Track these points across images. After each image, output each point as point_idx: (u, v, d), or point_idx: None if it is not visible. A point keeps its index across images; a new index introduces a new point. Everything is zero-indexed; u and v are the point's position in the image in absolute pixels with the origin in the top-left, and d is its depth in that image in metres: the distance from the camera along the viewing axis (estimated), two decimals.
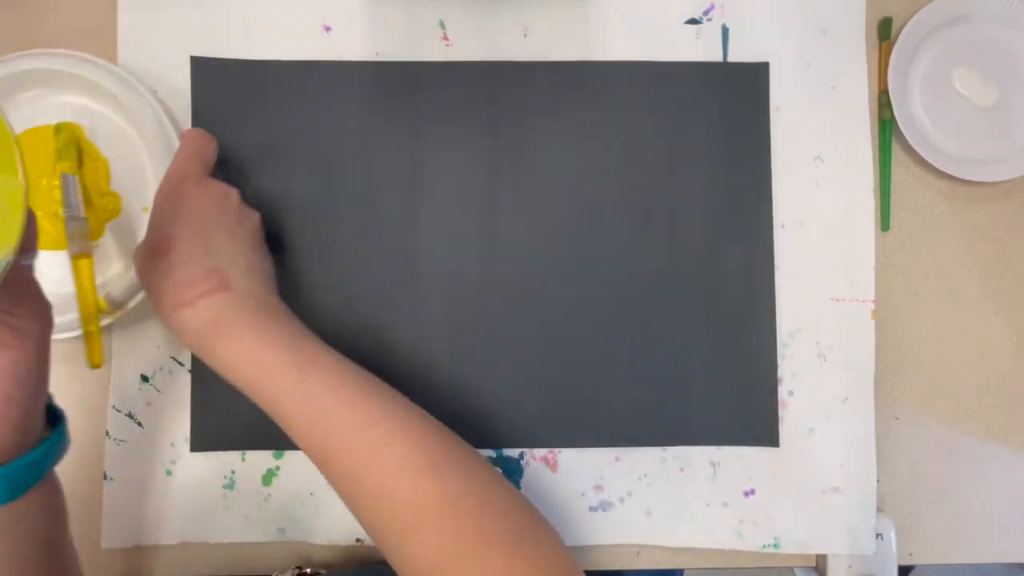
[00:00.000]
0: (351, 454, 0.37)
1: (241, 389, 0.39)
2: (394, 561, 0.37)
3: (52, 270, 0.50)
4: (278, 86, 0.51)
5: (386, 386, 0.41)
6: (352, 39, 0.52)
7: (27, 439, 0.34)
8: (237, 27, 0.51)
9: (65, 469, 0.50)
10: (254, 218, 0.45)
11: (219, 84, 0.51)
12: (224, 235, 0.41)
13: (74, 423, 0.50)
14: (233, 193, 0.44)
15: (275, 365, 0.38)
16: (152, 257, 0.40)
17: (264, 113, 0.51)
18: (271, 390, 0.38)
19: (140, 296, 0.48)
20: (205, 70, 0.51)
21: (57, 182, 0.49)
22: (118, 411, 0.50)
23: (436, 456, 0.37)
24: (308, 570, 0.49)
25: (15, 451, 0.34)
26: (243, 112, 0.51)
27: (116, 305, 0.47)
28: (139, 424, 0.50)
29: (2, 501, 0.33)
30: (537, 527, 0.37)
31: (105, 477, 0.49)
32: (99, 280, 0.48)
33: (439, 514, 0.35)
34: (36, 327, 0.34)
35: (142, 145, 0.50)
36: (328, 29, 0.52)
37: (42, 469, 0.35)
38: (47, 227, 0.50)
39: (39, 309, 0.34)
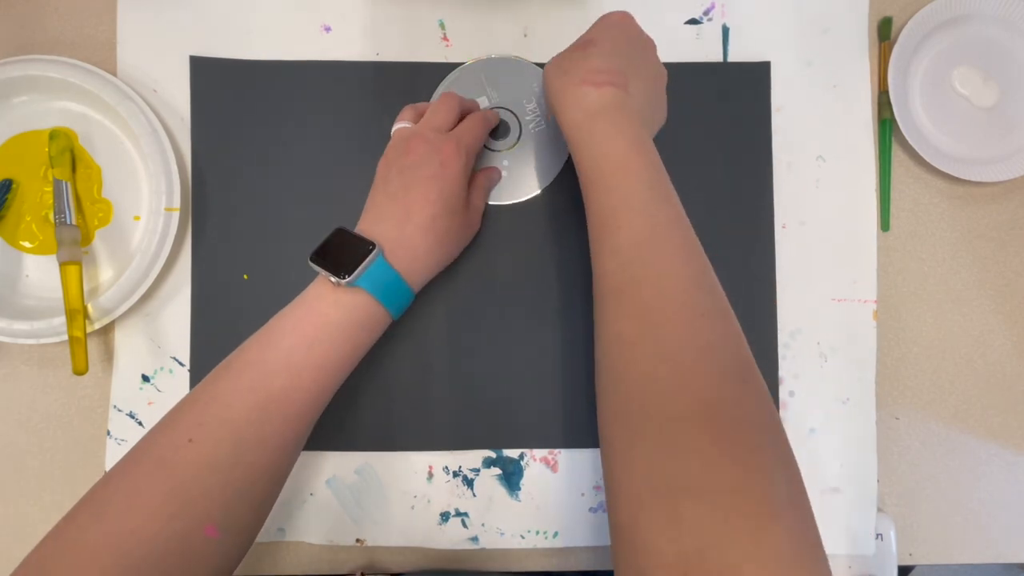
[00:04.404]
0: (660, 301, 0.36)
1: (587, 167, 0.41)
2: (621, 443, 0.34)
3: (41, 275, 0.50)
4: (278, 86, 0.51)
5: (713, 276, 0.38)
6: (352, 39, 0.52)
7: None
8: (237, 27, 0.51)
9: (66, 468, 0.50)
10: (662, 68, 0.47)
11: (219, 84, 0.51)
12: (636, 58, 0.44)
13: (75, 423, 0.50)
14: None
15: (635, 174, 0.39)
16: (575, 48, 0.44)
17: (264, 113, 0.51)
18: (619, 189, 0.39)
19: (128, 304, 0.48)
20: (205, 70, 0.51)
21: (49, 188, 0.49)
22: (119, 411, 0.50)
23: (744, 366, 0.34)
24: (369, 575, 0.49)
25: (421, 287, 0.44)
26: (243, 112, 0.51)
27: (104, 312, 0.48)
28: (140, 424, 0.50)
29: (397, 317, 0.43)
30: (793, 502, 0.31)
31: None
32: (88, 287, 0.48)
33: (722, 427, 0.31)
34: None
35: (136, 155, 0.50)
36: (328, 29, 0.52)
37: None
38: (37, 232, 0.50)
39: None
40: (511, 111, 0.51)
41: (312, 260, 0.41)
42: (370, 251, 0.40)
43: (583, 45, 0.44)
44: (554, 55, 0.45)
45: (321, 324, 0.40)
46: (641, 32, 0.46)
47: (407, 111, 0.47)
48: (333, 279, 0.40)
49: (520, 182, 0.51)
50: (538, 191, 0.51)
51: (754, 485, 0.29)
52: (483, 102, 0.51)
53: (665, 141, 0.51)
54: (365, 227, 0.43)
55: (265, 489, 0.39)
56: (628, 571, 0.31)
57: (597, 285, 0.40)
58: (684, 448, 0.31)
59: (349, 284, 0.40)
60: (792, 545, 0.28)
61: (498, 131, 0.51)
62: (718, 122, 0.52)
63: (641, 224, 0.38)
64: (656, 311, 0.35)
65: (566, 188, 0.51)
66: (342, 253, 0.40)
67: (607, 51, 0.43)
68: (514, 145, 0.51)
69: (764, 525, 0.28)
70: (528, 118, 0.51)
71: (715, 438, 0.31)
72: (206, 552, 0.36)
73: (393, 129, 0.47)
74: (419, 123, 0.46)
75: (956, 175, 0.52)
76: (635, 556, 0.30)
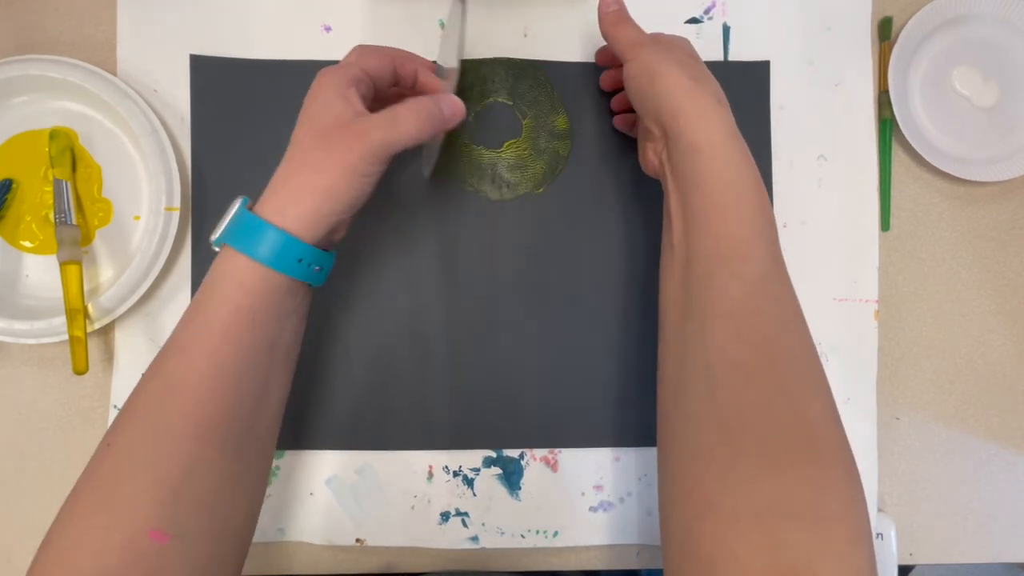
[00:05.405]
0: (783, 335, 0.36)
1: (719, 189, 0.38)
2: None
3: (41, 274, 0.50)
4: (278, 86, 0.51)
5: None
6: (352, 39, 0.51)
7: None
8: (237, 27, 0.51)
9: (66, 468, 0.50)
10: None
11: (219, 83, 0.51)
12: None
13: (75, 423, 0.50)
14: None
15: (765, 206, 0.39)
16: (685, 54, 0.43)
17: (264, 113, 0.51)
18: (754, 219, 0.38)
19: (128, 304, 0.48)
20: (205, 69, 0.51)
21: (49, 187, 0.49)
22: (119, 411, 0.50)
23: (835, 404, 0.36)
24: None
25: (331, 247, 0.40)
26: (243, 112, 0.51)
27: (104, 312, 0.48)
28: None
29: (320, 282, 0.40)
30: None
31: None
32: (88, 287, 0.48)
33: (829, 459, 0.34)
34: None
35: (136, 155, 0.50)
36: (328, 29, 0.52)
37: (329, 271, 0.40)
38: (37, 232, 0.50)
39: None
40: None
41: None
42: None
43: (693, 56, 0.43)
44: (652, 42, 0.43)
45: (201, 294, 0.37)
46: None
47: None
48: (213, 245, 0.38)
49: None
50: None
51: (852, 513, 0.32)
52: None
53: None
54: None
55: (206, 484, 0.35)
56: None
57: (709, 304, 0.37)
58: (794, 476, 0.32)
59: (216, 243, 0.37)
60: (870, 564, 0.31)
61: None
62: None
63: (769, 257, 0.38)
64: (777, 344, 0.36)
65: (567, 187, 0.51)
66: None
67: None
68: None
69: (854, 548, 0.31)
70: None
71: (823, 469, 0.33)
72: (162, 561, 0.33)
73: None
74: None
75: (956, 175, 0.52)
76: (712, 568, 0.32)
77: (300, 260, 0.37)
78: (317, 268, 0.38)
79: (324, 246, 0.39)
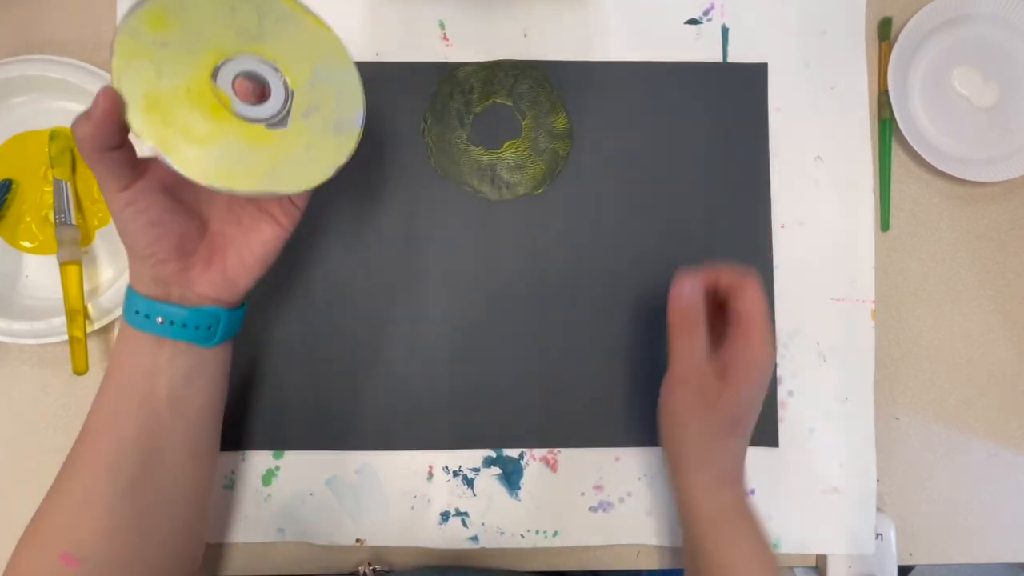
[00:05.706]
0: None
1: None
2: None
3: (41, 274, 0.50)
4: None
5: None
6: (352, 39, 0.51)
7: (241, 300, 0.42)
8: None
9: None
10: None
11: None
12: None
13: (75, 423, 0.50)
14: None
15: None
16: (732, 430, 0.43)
17: None
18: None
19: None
20: None
21: (49, 187, 0.49)
22: None
23: None
24: (375, 567, 0.49)
25: (238, 304, 0.41)
26: None
27: (104, 312, 0.48)
28: None
29: (186, 337, 0.39)
30: None
31: None
32: (88, 287, 0.48)
33: None
34: (298, 213, 0.41)
35: None
36: None
37: (239, 326, 0.42)
38: (37, 232, 0.50)
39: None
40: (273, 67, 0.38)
41: None
42: None
43: (737, 426, 0.43)
44: (676, 381, 0.43)
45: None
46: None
47: None
48: None
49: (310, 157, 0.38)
50: (341, 162, 0.38)
51: None
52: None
53: (663, 141, 0.51)
54: None
55: (104, 518, 0.38)
56: None
57: None
58: None
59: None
60: None
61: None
62: (717, 122, 0.52)
63: None
64: None
65: (567, 188, 0.51)
66: None
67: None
68: (283, 113, 0.38)
69: None
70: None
71: None
72: None
73: None
74: None
75: (956, 175, 0.52)
76: None
77: (137, 312, 0.38)
78: (160, 320, 0.38)
79: (176, 298, 0.39)
